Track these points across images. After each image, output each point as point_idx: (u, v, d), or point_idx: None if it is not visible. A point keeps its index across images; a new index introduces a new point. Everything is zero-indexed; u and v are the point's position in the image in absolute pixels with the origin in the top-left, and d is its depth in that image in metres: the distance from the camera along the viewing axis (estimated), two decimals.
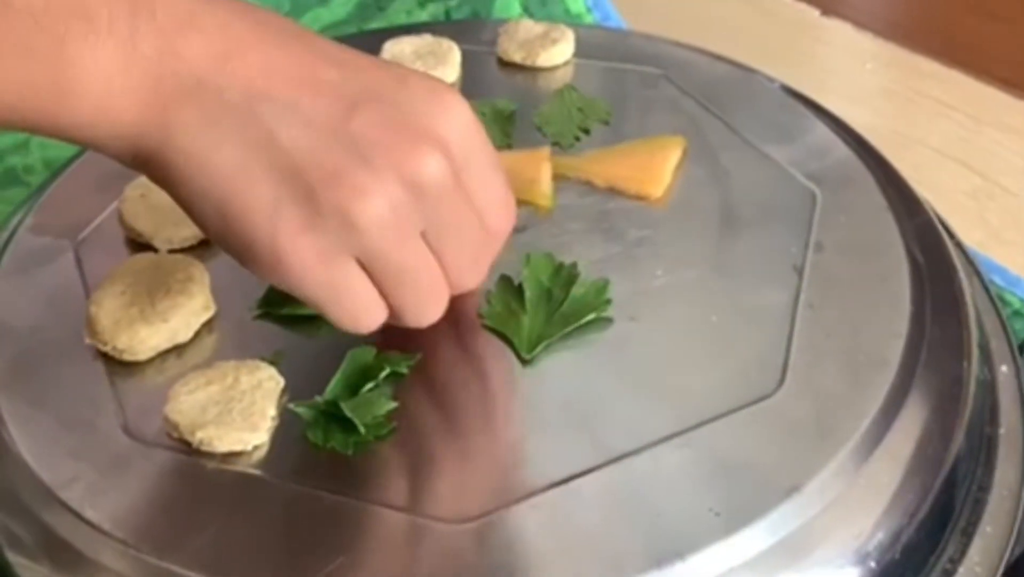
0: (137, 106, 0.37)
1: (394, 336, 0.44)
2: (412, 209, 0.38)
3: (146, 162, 0.38)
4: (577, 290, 0.45)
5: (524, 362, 0.43)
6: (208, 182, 0.37)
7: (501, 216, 0.42)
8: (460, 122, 0.39)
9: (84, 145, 0.39)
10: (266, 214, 0.37)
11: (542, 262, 0.46)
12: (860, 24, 0.77)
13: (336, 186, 0.37)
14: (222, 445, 0.40)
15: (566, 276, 0.46)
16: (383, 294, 0.40)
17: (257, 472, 0.40)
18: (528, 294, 0.45)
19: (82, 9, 0.36)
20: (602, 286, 0.45)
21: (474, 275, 0.42)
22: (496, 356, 0.44)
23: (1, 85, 0.36)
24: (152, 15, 0.36)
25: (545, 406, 0.42)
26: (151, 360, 0.44)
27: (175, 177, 0.38)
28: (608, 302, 0.45)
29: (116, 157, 0.39)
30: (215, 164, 0.37)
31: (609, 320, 0.45)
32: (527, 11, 0.73)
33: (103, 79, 0.36)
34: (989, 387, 0.47)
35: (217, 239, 0.39)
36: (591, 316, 0.45)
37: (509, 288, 0.46)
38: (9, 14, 0.35)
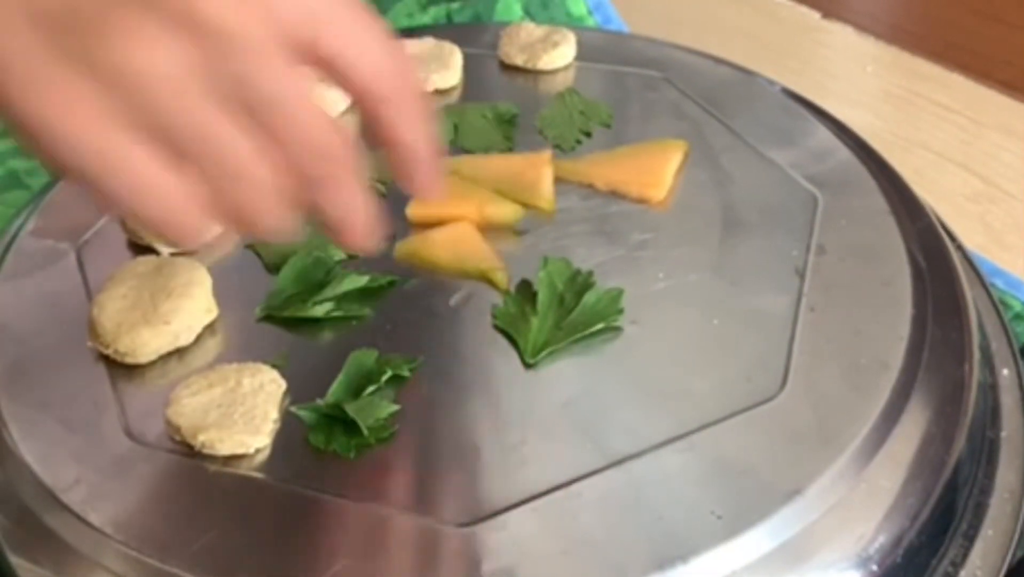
0: None
1: (397, 340, 0.44)
2: (208, 63, 0.31)
3: None
4: (589, 298, 0.45)
5: (527, 366, 0.43)
6: None
7: (380, 67, 0.33)
8: None
9: None
10: (30, 70, 0.31)
11: (559, 266, 0.46)
12: (861, 27, 0.77)
13: (106, 33, 0.31)
14: (224, 448, 0.40)
15: (581, 283, 0.46)
16: (200, 185, 0.32)
17: (259, 475, 0.40)
18: (540, 297, 0.45)
19: None
20: (616, 295, 0.45)
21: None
22: (498, 359, 0.44)
23: None
24: None
25: (547, 409, 0.42)
26: (153, 363, 0.44)
27: None
28: (620, 311, 0.45)
29: None
30: None
31: (616, 328, 0.45)
32: (528, 14, 0.73)
33: None
34: (991, 390, 0.47)
35: None
36: (600, 325, 0.44)
37: (526, 292, 0.46)
38: None
